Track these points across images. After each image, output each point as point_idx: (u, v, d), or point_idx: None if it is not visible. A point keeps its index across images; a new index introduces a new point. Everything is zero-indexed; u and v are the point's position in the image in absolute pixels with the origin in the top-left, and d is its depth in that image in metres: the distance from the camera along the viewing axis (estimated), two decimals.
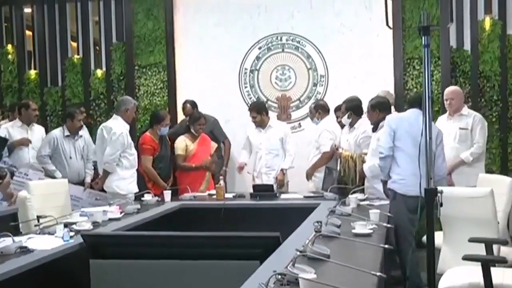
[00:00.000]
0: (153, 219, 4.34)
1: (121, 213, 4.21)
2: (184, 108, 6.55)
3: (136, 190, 5.33)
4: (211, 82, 6.89)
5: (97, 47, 7.48)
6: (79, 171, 5.82)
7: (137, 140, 5.88)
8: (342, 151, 5.15)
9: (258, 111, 6.01)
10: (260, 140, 6.03)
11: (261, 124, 6.02)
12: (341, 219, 3.51)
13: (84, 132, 6.08)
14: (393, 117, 4.60)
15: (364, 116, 5.13)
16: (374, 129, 4.84)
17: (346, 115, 5.27)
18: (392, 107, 5.56)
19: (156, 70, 7.06)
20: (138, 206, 4.52)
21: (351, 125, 5.26)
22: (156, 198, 5.04)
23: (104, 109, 7.19)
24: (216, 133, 6.45)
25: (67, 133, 5.82)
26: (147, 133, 5.80)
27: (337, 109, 5.87)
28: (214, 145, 6.15)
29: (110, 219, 4.00)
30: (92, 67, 7.36)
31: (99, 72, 7.26)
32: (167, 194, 5.11)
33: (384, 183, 4.48)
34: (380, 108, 4.82)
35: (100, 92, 7.23)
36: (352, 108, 5.28)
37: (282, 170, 5.98)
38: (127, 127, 5.42)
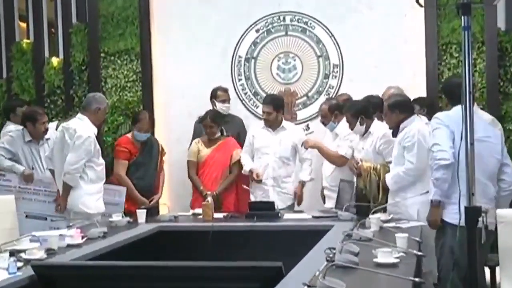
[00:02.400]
0: (124, 245, 4.34)
1: (82, 238, 4.20)
2: (217, 96, 6.47)
3: (104, 209, 5.34)
4: (196, 73, 6.90)
5: (53, 29, 7.49)
6: None
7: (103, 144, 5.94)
8: (362, 163, 5.13)
9: (276, 107, 5.99)
10: (268, 143, 6.00)
11: (273, 123, 6.01)
12: (359, 245, 3.51)
13: (51, 132, 6.02)
14: (447, 115, 4.23)
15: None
16: (394, 134, 4.87)
17: (358, 123, 5.27)
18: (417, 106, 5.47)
19: (127, 59, 7.06)
20: (105, 229, 4.51)
21: (365, 130, 5.29)
22: (127, 218, 5.03)
23: (62, 107, 7.19)
24: (243, 137, 6.37)
25: (28, 138, 5.82)
26: (126, 135, 5.92)
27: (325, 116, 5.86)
28: (238, 153, 6.09)
29: (69, 246, 4.00)
30: (46, 54, 7.37)
31: (55, 61, 7.27)
32: (141, 214, 5.09)
33: (435, 206, 4.15)
34: (400, 108, 4.86)
35: (56, 85, 7.22)
36: (360, 111, 5.29)
37: (301, 182, 5.96)
38: (95, 130, 5.44)
